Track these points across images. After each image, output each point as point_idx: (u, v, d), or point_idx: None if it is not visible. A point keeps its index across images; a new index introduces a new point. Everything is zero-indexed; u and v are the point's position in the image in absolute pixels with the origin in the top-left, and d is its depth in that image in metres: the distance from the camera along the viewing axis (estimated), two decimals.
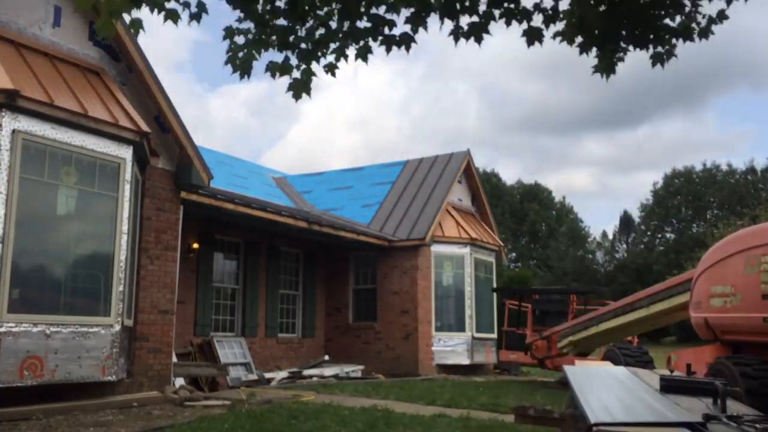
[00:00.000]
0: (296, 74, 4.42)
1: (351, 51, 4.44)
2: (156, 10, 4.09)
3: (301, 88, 4.43)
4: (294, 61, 4.40)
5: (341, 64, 4.47)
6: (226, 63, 4.38)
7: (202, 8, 4.30)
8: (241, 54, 4.36)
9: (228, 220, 13.76)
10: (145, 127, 9.06)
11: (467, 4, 4.33)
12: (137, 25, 4.10)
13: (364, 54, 4.43)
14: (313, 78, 4.43)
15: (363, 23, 4.34)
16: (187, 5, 4.26)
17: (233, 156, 20.65)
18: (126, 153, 8.81)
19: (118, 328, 8.45)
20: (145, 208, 9.85)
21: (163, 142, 10.22)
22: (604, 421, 3.37)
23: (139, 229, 9.65)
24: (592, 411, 3.71)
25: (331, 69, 4.47)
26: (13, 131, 7.57)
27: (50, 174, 8.03)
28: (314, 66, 4.42)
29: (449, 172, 18.80)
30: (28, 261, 7.77)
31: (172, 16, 4.18)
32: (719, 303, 8.05)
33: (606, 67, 4.73)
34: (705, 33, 4.66)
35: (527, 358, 15.01)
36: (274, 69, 4.41)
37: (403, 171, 19.81)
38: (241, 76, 4.39)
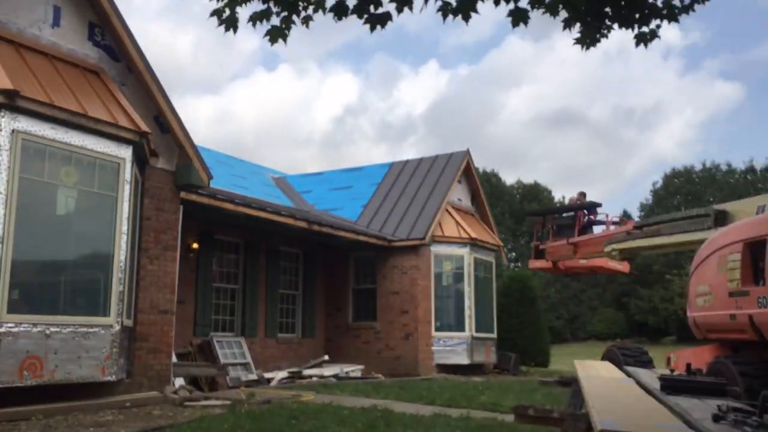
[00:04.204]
0: (275, 21, 4.58)
1: (329, 3, 4.54)
2: None
3: (278, 33, 4.58)
4: (275, 10, 4.57)
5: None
6: (212, 14, 4.50)
7: None
8: (224, 6, 4.49)
9: (228, 220, 13.77)
10: (144, 127, 9.06)
11: None
12: None
13: (343, 10, 4.53)
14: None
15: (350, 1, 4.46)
16: None
17: (233, 156, 20.67)
18: (125, 153, 8.80)
19: (117, 328, 8.45)
20: (144, 208, 9.84)
21: (162, 142, 10.21)
22: (609, 428, 3.41)
23: (138, 229, 9.64)
24: (598, 416, 3.74)
25: (306, 21, 4.60)
26: (13, 131, 7.57)
27: (50, 174, 8.03)
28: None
29: (449, 171, 18.81)
30: (28, 261, 7.77)
31: None
32: None
33: (588, 40, 4.75)
34: (686, 9, 4.71)
35: (546, 263, 16.08)
36: (255, 18, 4.56)
37: (403, 171, 19.82)
38: (227, 29, 4.52)
